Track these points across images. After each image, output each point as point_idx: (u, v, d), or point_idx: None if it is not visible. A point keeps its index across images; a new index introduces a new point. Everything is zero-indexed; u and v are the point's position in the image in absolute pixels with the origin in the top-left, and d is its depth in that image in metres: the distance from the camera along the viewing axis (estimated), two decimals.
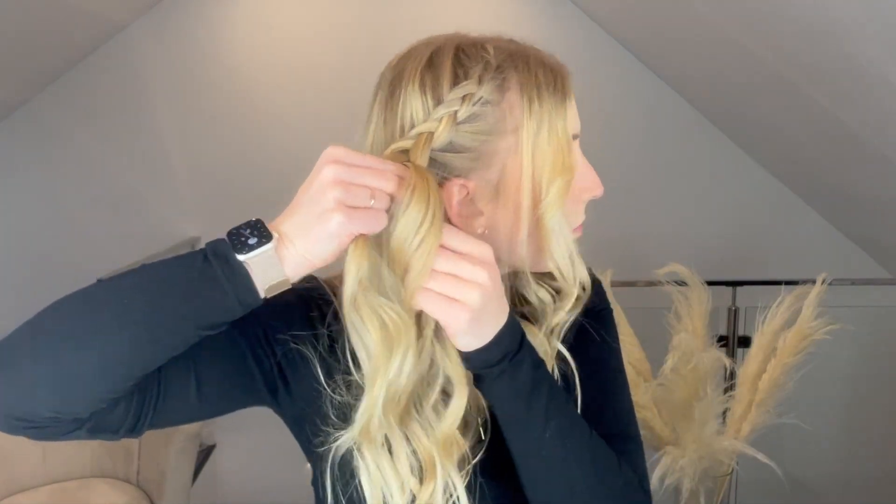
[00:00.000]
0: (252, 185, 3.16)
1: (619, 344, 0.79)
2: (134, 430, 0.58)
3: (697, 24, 2.28)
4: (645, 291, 2.13)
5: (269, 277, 0.55)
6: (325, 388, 0.64)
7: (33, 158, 3.15)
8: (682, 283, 1.95)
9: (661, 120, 3.11)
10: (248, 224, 0.56)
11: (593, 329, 0.74)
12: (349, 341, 0.63)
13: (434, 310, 0.57)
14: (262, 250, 0.54)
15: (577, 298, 0.69)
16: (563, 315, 0.69)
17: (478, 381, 0.63)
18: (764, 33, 2.00)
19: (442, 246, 0.57)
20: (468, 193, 0.62)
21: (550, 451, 0.63)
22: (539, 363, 0.63)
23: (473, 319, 0.57)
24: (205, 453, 2.99)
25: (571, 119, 0.63)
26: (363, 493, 0.63)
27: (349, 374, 0.64)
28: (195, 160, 3.18)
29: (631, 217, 3.04)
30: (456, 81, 0.60)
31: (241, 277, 0.54)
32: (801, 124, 2.39)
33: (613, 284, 1.94)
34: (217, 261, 0.54)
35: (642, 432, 1.93)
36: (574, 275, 0.65)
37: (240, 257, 0.54)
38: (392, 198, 0.56)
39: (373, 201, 0.54)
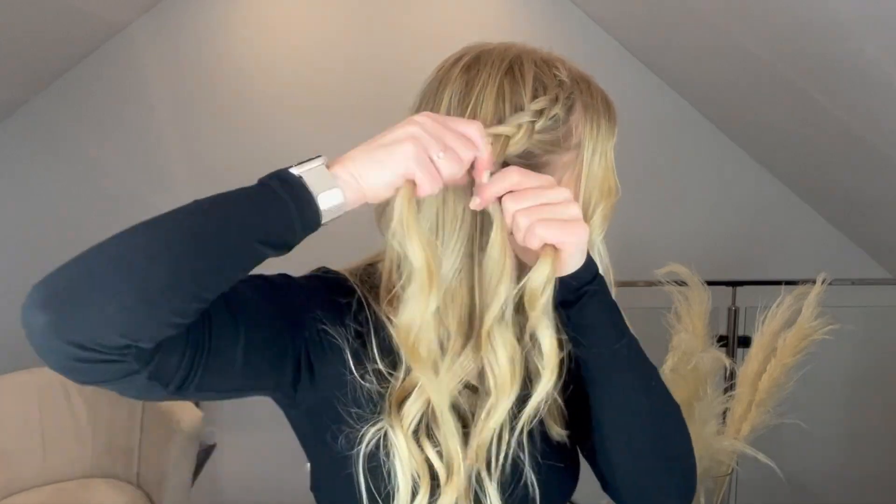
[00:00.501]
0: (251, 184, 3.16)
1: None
2: (182, 387, 0.57)
3: (697, 24, 2.28)
4: (645, 291, 2.13)
5: (325, 194, 0.56)
6: (354, 375, 0.65)
7: (33, 158, 3.15)
8: (682, 283, 1.95)
9: (661, 120, 3.11)
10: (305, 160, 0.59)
11: None
12: (375, 334, 0.65)
13: (557, 234, 0.59)
14: (314, 164, 0.57)
15: None
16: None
17: (569, 306, 0.65)
18: (764, 33, 2.00)
19: (523, 189, 0.60)
20: None
21: (634, 366, 0.69)
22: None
23: (585, 235, 0.61)
24: (205, 453, 2.99)
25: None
26: (391, 481, 0.64)
27: (376, 363, 0.65)
28: (195, 160, 3.18)
29: (631, 217, 3.04)
30: (535, 94, 0.64)
31: (298, 188, 0.56)
32: (802, 124, 2.39)
33: (613, 284, 1.94)
34: (274, 179, 0.57)
35: None
36: (612, 289, 0.70)
37: (293, 170, 0.57)
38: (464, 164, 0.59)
39: (441, 155, 0.57)
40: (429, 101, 0.67)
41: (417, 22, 3.08)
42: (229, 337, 0.59)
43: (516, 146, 0.62)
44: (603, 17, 3.00)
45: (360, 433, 0.64)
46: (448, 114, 0.65)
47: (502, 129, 0.62)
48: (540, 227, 0.59)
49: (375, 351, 0.65)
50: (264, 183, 0.56)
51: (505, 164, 0.63)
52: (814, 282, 1.89)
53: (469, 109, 0.64)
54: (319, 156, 0.58)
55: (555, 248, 0.60)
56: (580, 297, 0.64)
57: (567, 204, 0.60)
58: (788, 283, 1.94)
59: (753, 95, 2.51)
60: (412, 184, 0.57)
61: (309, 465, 0.74)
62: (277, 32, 3.11)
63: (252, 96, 3.14)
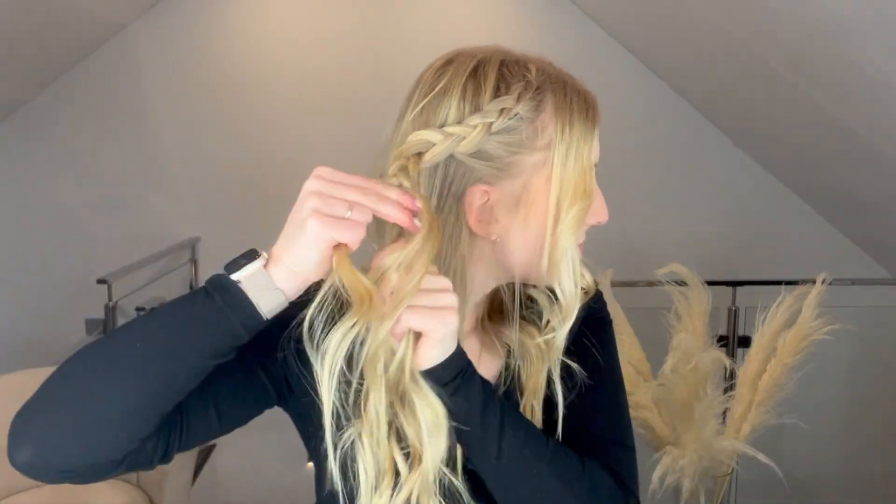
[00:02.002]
0: (252, 184, 3.16)
1: (617, 354, 0.81)
2: (164, 458, 0.63)
3: (698, 24, 2.28)
4: (645, 291, 2.13)
5: (266, 296, 0.58)
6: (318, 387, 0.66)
7: (33, 158, 3.15)
8: (682, 283, 1.95)
9: (661, 120, 3.11)
10: (243, 254, 0.59)
11: (593, 336, 0.76)
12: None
13: (423, 321, 0.60)
14: (252, 268, 0.58)
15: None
16: (563, 333, 0.71)
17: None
18: (764, 33, 2.00)
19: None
20: (488, 200, 0.65)
21: (509, 463, 0.66)
22: (487, 383, 0.67)
23: (453, 325, 0.61)
24: (205, 453, 2.99)
25: (595, 148, 0.67)
26: (355, 479, 0.65)
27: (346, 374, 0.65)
28: (195, 160, 3.18)
29: (631, 217, 3.04)
30: (497, 94, 0.64)
31: (240, 300, 0.57)
32: (802, 124, 2.39)
33: (613, 284, 1.94)
34: (217, 292, 0.57)
35: (642, 432, 1.94)
36: (576, 300, 0.68)
37: (233, 276, 0.57)
38: (373, 214, 0.59)
39: (349, 213, 0.57)
40: (405, 98, 0.68)
41: (416, 20, 3.08)
42: (200, 407, 0.63)
43: (470, 145, 0.62)
44: (603, 17, 3.00)
45: (336, 438, 0.65)
46: (413, 111, 0.65)
47: (456, 129, 0.62)
48: (410, 314, 0.59)
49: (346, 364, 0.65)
50: (208, 293, 0.57)
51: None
52: (814, 282, 1.89)
53: (432, 108, 0.64)
54: (258, 255, 0.59)
55: (417, 334, 0.60)
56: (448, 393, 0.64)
57: (446, 294, 0.60)
58: (788, 283, 1.94)
59: (754, 96, 2.51)
60: (342, 247, 0.58)
61: (308, 465, 0.75)
62: (277, 32, 3.11)
63: (252, 96, 3.14)
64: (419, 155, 0.63)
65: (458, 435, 0.65)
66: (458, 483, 0.66)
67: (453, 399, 0.63)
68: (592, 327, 0.77)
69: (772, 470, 1.74)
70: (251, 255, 0.59)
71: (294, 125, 3.14)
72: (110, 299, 2.36)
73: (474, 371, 0.65)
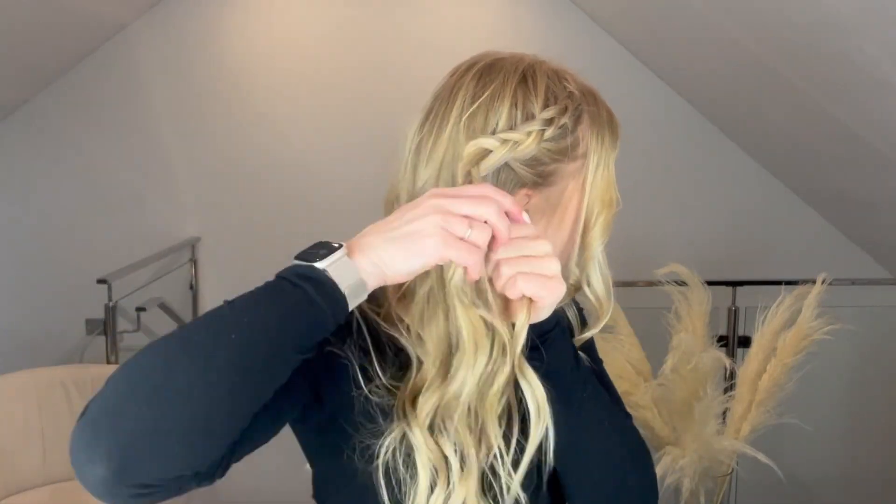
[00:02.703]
0: (252, 185, 3.16)
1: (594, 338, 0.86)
2: (224, 471, 0.59)
3: (698, 24, 2.28)
4: (645, 291, 2.13)
5: (350, 285, 0.56)
6: (363, 390, 0.66)
7: (33, 158, 3.15)
8: (682, 283, 1.95)
9: (661, 120, 3.11)
10: (314, 245, 0.58)
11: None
12: (377, 350, 0.67)
13: (537, 290, 0.61)
14: (338, 256, 0.56)
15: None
16: (596, 331, 0.78)
17: (532, 350, 0.67)
18: (764, 33, 2.00)
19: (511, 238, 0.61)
20: (528, 203, 0.68)
21: (589, 409, 0.71)
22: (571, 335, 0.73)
23: (562, 292, 0.63)
24: None
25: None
26: (404, 486, 0.65)
27: (381, 378, 0.67)
28: (195, 160, 3.18)
29: (631, 217, 3.02)
30: (546, 104, 0.66)
31: (331, 289, 0.55)
32: (802, 124, 2.39)
33: (613, 284, 1.94)
34: (306, 283, 0.55)
35: (642, 432, 1.93)
36: (610, 300, 0.75)
37: (319, 265, 0.56)
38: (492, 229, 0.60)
39: (469, 231, 0.57)
40: (442, 102, 0.68)
41: (418, 21, 3.08)
42: (261, 418, 0.60)
43: (525, 152, 0.65)
44: (604, 17, 3.00)
45: (378, 445, 0.65)
46: (460, 116, 0.66)
47: (513, 135, 0.64)
48: (522, 281, 0.60)
49: (378, 368, 0.66)
50: (297, 285, 0.55)
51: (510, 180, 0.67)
52: (814, 282, 1.89)
53: (482, 114, 0.66)
54: (340, 245, 0.57)
55: (530, 300, 0.62)
56: (543, 343, 0.68)
57: (549, 259, 0.61)
58: (788, 283, 1.94)
59: (754, 95, 2.51)
60: (469, 277, 0.60)
61: (308, 467, 0.74)
62: (277, 32, 3.11)
63: (252, 96, 3.14)
64: (477, 166, 0.64)
65: (551, 383, 0.67)
66: (503, 485, 0.67)
67: (551, 350, 0.67)
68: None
69: (772, 470, 1.74)
70: (324, 245, 0.57)
71: (294, 125, 3.14)
72: (110, 299, 2.36)
73: (563, 320, 0.70)
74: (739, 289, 2.46)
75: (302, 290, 0.54)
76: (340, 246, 0.57)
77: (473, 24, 3.06)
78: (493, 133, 0.65)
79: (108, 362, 2.39)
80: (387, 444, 0.65)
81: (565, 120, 0.66)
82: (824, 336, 1.84)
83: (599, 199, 0.70)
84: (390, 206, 0.69)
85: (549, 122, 0.65)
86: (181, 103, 3.14)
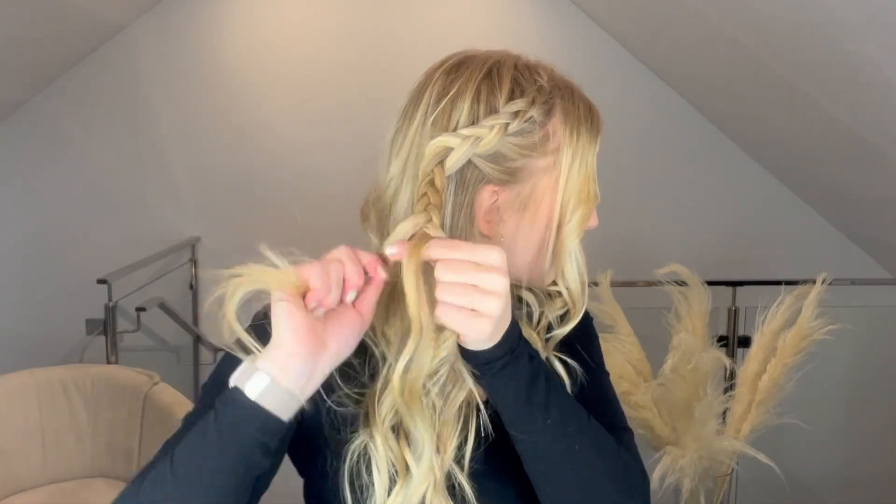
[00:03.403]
0: (252, 185, 3.16)
1: (601, 349, 0.83)
2: None
3: (697, 23, 2.28)
4: (645, 291, 2.13)
5: (280, 401, 0.57)
6: (328, 403, 0.66)
7: (33, 158, 3.15)
8: (682, 283, 1.95)
9: (661, 120, 3.11)
10: (243, 369, 0.58)
11: (580, 330, 0.77)
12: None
13: (456, 324, 0.59)
14: (262, 388, 0.56)
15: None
16: (566, 330, 0.73)
17: (476, 377, 0.64)
18: (764, 33, 2.00)
19: (455, 260, 0.58)
20: (497, 201, 0.65)
21: (553, 439, 0.65)
22: (535, 354, 0.66)
23: (494, 327, 0.59)
24: None
25: (595, 155, 0.69)
26: (367, 489, 0.65)
27: (342, 388, 0.66)
28: (195, 160, 3.18)
29: (631, 217, 3.04)
30: (512, 97, 0.64)
31: (266, 420, 0.56)
32: (801, 124, 2.39)
33: (613, 284, 1.94)
34: (245, 424, 0.56)
35: (642, 432, 1.93)
36: (583, 297, 0.71)
37: (248, 395, 0.56)
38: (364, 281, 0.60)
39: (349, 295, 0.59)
40: (412, 101, 0.67)
41: (417, 21, 3.08)
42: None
43: (487, 147, 0.63)
44: (603, 17, 3.00)
45: (345, 452, 0.66)
46: (425, 114, 0.65)
47: (474, 131, 0.62)
48: (442, 312, 0.58)
49: (338, 379, 0.65)
50: (217, 424, 0.57)
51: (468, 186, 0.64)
52: (814, 282, 1.89)
53: (445, 111, 0.64)
54: (257, 370, 0.57)
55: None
56: (484, 374, 0.63)
57: (491, 296, 0.58)
58: (788, 283, 1.94)
59: (754, 96, 2.51)
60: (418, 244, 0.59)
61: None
62: (277, 32, 3.11)
63: (252, 96, 3.14)
64: (441, 164, 0.63)
65: (498, 411, 0.65)
66: (466, 484, 0.66)
67: (496, 379, 0.63)
68: (579, 324, 0.77)
69: (772, 470, 1.74)
70: (248, 371, 0.57)
71: (294, 125, 3.14)
72: (110, 299, 2.36)
73: (524, 346, 0.64)
74: (739, 289, 2.45)
75: (244, 431, 0.56)
76: (256, 371, 0.57)
77: (471, 22, 3.06)
78: (455, 130, 0.63)
79: (108, 362, 2.39)
80: (352, 450, 0.65)
81: (532, 113, 0.64)
82: (824, 336, 1.83)
83: (575, 195, 0.67)
84: (369, 207, 0.69)
85: (515, 115, 0.63)
86: (181, 103, 3.14)
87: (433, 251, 0.58)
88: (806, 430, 1.82)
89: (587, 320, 0.82)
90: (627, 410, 1.84)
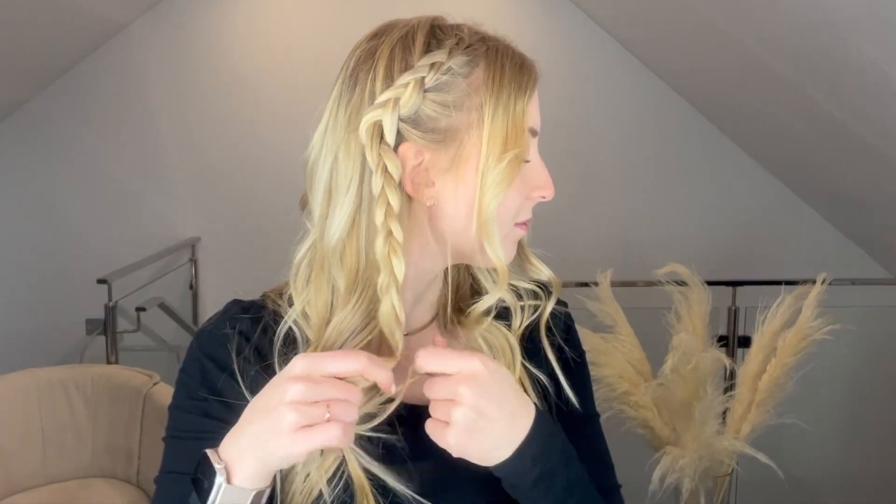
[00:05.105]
0: (252, 185, 3.16)
1: (589, 372, 0.77)
2: None
3: (697, 23, 2.28)
4: (645, 291, 2.12)
5: (237, 500, 0.57)
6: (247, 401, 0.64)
7: (33, 158, 3.15)
8: (682, 283, 1.95)
9: (660, 119, 3.11)
10: (198, 468, 0.57)
11: (568, 354, 0.73)
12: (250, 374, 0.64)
13: (439, 438, 0.58)
14: (218, 492, 0.56)
15: (537, 295, 0.71)
16: (492, 300, 0.67)
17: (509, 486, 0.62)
18: (764, 33, 2.00)
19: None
20: (422, 162, 0.61)
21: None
22: (567, 453, 0.63)
23: (468, 434, 0.57)
24: None
25: (532, 113, 0.63)
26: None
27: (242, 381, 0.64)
28: (195, 160, 3.18)
29: (631, 217, 3.04)
30: (427, 51, 0.60)
31: None
32: (801, 124, 2.39)
33: (613, 284, 1.94)
34: None
35: (642, 432, 1.93)
36: (504, 257, 0.62)
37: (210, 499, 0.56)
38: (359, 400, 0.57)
39: (328, 414, 0.54)
40: (339, 72, 0.66)
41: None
42: None
43: (407, 108, 0.58)
44: (602, 16, 3.00)
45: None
46: (342, 84, 0.63)
47: (388, 95, 0.59)
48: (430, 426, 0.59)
49: (239, 369, 0.65)
50: None
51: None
52: (814, 282, 1.89)
53: (365, 89, 0.61)
54: (214, 470, 0.56)
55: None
56: (515, 487, 0.61)
57: (449, 404, 0.57)
58: (788, 283, 1.94)
59: (754, 95, 2.51)
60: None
61: None
62: (277, 32, 3.11)
63: (252, 96, 3.14)
64: (386, 144, 0.59)
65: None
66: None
67: (531, 491, 0.60)
68: (563, 334, 0.74)
69: (772, 470, 1.74)
70: (206, 469, 0.56)
71: (295, 125, 3.14)
72: (110, 299, 2.36)
73: (557, 456, 0.61)
74: (739, 289, 2.45)
75: None
76: (215, 474, 0.56)
77: (470, 22, 3.06)
78: (373, 99, 0.59)
79: (108, 362, 2.39)
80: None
81: (450, 64, 0.59)
82: (824, 336, 1.83)
83: (501, 145, 0.59)
84: (304, 202, 0.69)
85: (431, 67, 0.59)
86: (181, 103, 3.14)
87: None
88: (806, 430, 1.82)
89: (573, 330, 0.76)
90: (627, 410, 1.85)
